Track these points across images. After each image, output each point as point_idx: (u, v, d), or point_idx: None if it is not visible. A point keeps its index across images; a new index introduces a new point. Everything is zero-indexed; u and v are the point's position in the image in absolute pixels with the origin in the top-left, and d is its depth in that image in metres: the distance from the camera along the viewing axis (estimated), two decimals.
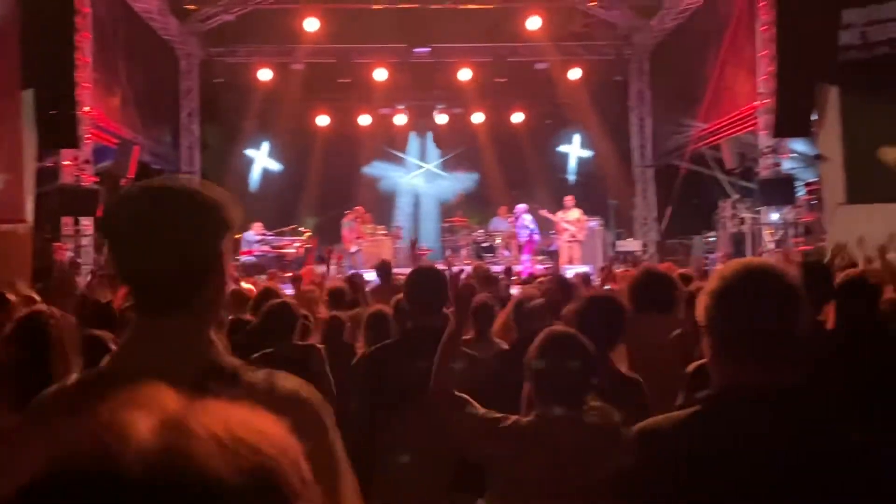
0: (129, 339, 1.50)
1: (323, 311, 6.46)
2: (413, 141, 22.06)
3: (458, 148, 21.67)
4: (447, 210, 20.61)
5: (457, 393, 2.83)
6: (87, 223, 13.53)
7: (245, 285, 9.07)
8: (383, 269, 8.84)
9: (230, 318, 5.68)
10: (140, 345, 1.45)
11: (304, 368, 4.23)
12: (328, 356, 4.70)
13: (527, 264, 16.00)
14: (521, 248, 17.12)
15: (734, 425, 1.71)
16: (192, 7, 18.35)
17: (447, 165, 22.14)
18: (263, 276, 12.71)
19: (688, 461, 1.70)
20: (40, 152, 12.94)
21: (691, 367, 3.26)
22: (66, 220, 13.45)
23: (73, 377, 1.48)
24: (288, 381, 1.45)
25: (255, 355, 4.23)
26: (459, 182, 21.69)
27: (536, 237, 17.06)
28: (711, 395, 1.83)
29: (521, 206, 17.47)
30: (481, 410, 2.79)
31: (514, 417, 2.74)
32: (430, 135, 21.88)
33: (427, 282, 3.92)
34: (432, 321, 3.70)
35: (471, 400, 2.84)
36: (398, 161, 22.16)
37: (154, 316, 1.46)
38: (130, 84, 14.99)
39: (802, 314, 1.77)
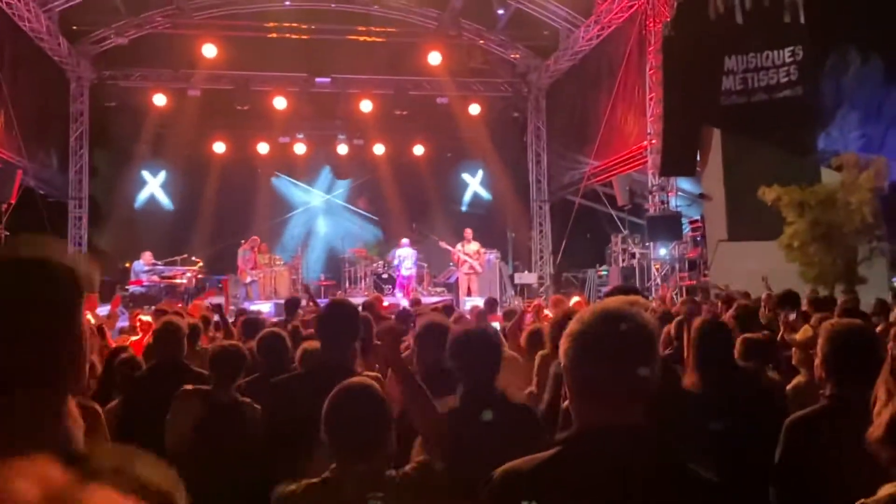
0: None
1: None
2: (312, 171, 21.91)
3: (358, 178, 21.65)
4: (346, 240, 20.49)
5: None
6: None
7: (143, 317, 8.77)
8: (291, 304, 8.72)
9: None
10: None
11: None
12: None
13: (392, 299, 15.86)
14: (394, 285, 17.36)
15: (588, 465, 1.75)
16: (83, 28, 17.83)
17: (346, 196, 22.09)
18: (150, 307, 12.29)
19: (546, 502, 1.75)
20: None
21: (565, 405, 3.33)
22: None
23: None
24: (143, 470, 1.41)
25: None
26: (359, 212, 21.65)
27: (405, 273, 17.29)
28: (569, 437, 1.87)
29: (405, 241, 17.75)
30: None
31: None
32: (329, 165, 21.79)
33: (340, 316, 3.88)
34: (341, 356, 3.69)
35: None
36: (297, 190, 21.96)
37: (4, 394, 1.35)
38: (15, 105, 14.35)
39: (654, 357, 1.83)
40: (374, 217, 21.46)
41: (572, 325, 1.85)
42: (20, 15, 14.76)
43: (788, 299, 7.09)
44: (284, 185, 21.64)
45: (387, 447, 2.59)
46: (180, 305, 11.78)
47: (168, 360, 4.88)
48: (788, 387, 4.63)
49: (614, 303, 1.95)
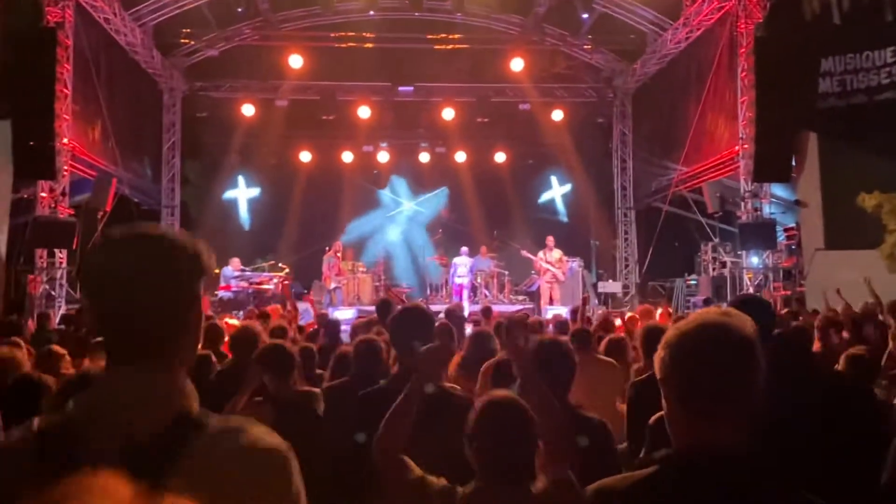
0: (99, 386, 1.48)
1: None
2: (395, 179, 22.09)
3: (440, 186, 21.70)
4: (428, 247, 20.52)
5: (400, 456, 2.71)
6: (61, 256, 13.38)
7: (230, 321, 8.98)
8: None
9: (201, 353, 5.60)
10: (110, 393, 1.43)
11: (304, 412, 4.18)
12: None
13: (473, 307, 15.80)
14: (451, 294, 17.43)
15: (687, 489, 1.67)
16: (177, 41, 18.44)
17: (429, 204, 22.16)
18: (240, 313, 12.58)
19: None
20: (16, 184, 12.88)
21: (653, 419, 3.20)
22: (41, 253, 13.30)
23: (36, 423, 1.42)
24: (255, 432, 1.44)
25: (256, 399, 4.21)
26: (436, 207, 21.70)
27: (457, 281, 17.34)
28: (669, 456, 1.78)
29: (463, 249, 17.88)
30: (417, 474, 2.68)
31: (454, 487, 2.60)
32: (412, 173, 21.92)
33: (413, 323, 3.83)
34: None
35: (411, 463, 2.71)
36: (381, 198, 22.16)
37: (126, 364, 1.45)
38: (111, 116, 14.92)
39: (758, 370, 1.73)
40: (456, 226, 21.38)
41: (670, 334, 1.78)
42: (117, 29, 15.34)
43: None
44: (368, 194, 21.81)
45: (534, 466, 2.51)
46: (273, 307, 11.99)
47: (241, 364, 4.92)
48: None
49: (714, 313, 1.86)
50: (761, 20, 13.50)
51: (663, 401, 1.82)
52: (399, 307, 4.19)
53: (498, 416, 2.53)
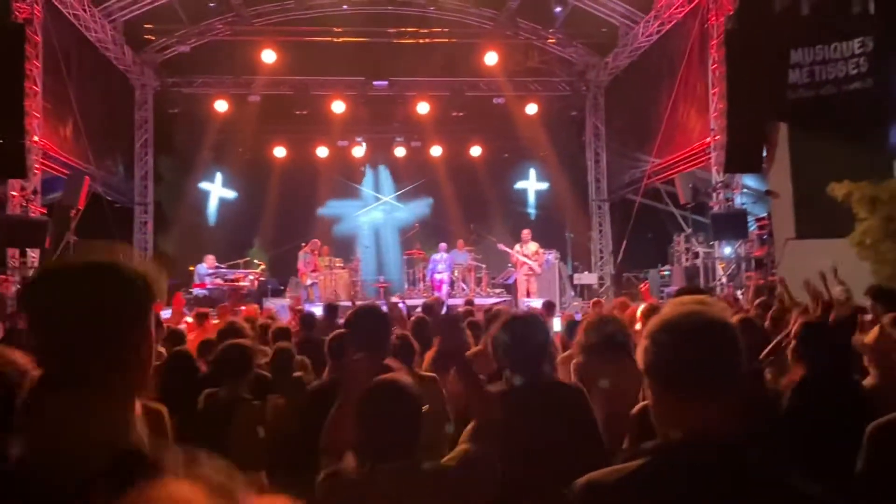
0: (44, 422, 1.41)
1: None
2: (371, 173, 22.02)
3: (416, 180, 21.67)
4: (405, 241, 20.52)
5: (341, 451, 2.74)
6: (33, 255, 13.21)
7: (188, 319, 8.92)
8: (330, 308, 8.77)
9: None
10: (56, 427, 1.38)
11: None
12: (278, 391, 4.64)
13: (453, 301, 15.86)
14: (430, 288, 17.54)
15: (680, 481, 1.67)
16: (148, 38, 18.23)
17: (405, 197, 22.12)
18: (214, 311, 12.46)
19: None
20: None
21: (636, 409, 3.22)
22: (12, 252, 13.11)
23: None
24: (207, 469, 1.40)
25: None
26: (417, 214, 21.65)
27: (437, 277, 17.49)
28: (656, 447, 1.78)
29: (441, 245, 18.02)
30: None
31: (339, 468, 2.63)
32: (388, 167, 21.86)
33: (369, 320, 3.86)
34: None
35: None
36: (356, 193, 22.08)
37: (69, 395, 1.39)
38: (83, 114, 14.74)
39: (741, 353, 1.75)
40: (431, 217, 21.35)
41: (652, 324, 1.80)
42: (86, 25, 15.17)
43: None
44: (343, 189, 21.71)
45: (417, 445, 2.56)
46: (243, 308, 11.94)
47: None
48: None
49: (693, 301, 1.88)
50: (731, 12, 13.59)
51: (648, 391, 1.83)
52: (357, 307, 4.20)
53: (377, 397, 2.59)
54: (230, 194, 21.06)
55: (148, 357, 1.49)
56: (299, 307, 12.05)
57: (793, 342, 3.80)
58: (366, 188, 22.07)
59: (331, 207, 21.34)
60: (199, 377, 4.95)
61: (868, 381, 4.46)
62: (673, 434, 1.75)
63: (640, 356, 1.81)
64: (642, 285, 15.34)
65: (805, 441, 3.11)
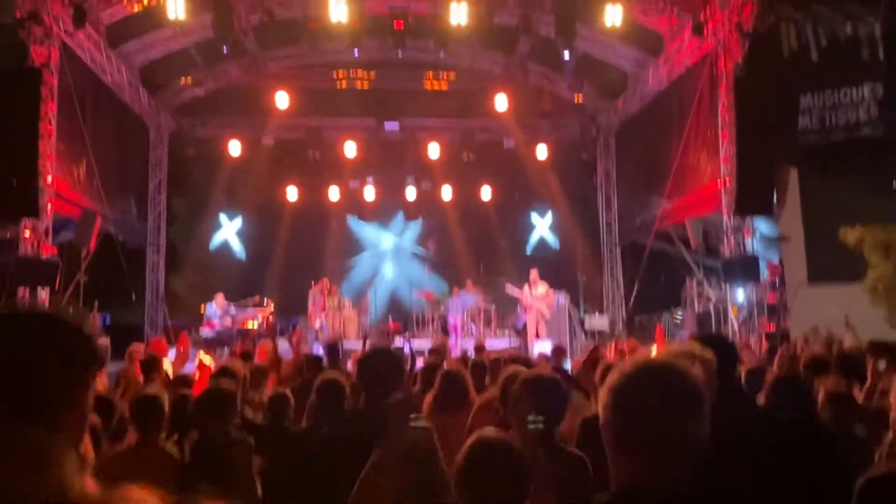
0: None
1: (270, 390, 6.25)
2: (381, 215, 22.03)
3: (426, 222, 21.67)
4: (416, 283, 20.44)
5: None
6: (43, 295, 13.22)
7: (205, 358, 8.87)
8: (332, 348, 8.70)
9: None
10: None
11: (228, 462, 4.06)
12: (268, 438, 4.53)
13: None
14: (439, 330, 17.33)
15: None
16: (163, 80, 18.45)
17: (415, 239, 22.10)
18: (225, 350, 12.43)
19: None
20: None
21: (582, 418, 3.25)
22: (23, 291, 13.12)
23: None
24: None
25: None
26: (427, 255, 21.62)
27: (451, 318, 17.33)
28: (609, 499, 1.75)
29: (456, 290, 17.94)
30: None
31: None
32: (398, 209, 21.88)
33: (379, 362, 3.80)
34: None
35: None
36: (367, 234, 22.07)
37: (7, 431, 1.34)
38: (97, 154, 14.84)
39: (699, 417, 1.70)
40: (441, 260, 21.29)
41: (612, 377, 1.76)
42: (103, 68, 15.36)
43: (881, 348, 6.61)
44: (356, 227, 21.74)
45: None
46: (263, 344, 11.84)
47: None
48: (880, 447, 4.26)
49: (659, 357, 1.84)
50: (740, 58, 13.63)
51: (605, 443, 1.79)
52: (369, 349, 4.15)
53: (487, 455, 2.43)
54: (242, 235, 21.09)
55: (84, 408, 1.44)
56: (299, 342, 11.94)
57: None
58: (376, 229, 22.05)
59: (342, 246, 21.30)
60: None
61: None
62: (622, 486, 1.73)
63: (600, 408, 1.79)
64: (657, 329, 15.20)
65: None
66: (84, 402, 1.45)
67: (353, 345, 14.07)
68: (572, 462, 3.34)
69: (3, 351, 1.36)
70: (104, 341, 13.44)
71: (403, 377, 4.08)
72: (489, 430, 2.64)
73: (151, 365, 7.10)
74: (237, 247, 21.13)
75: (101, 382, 7.19)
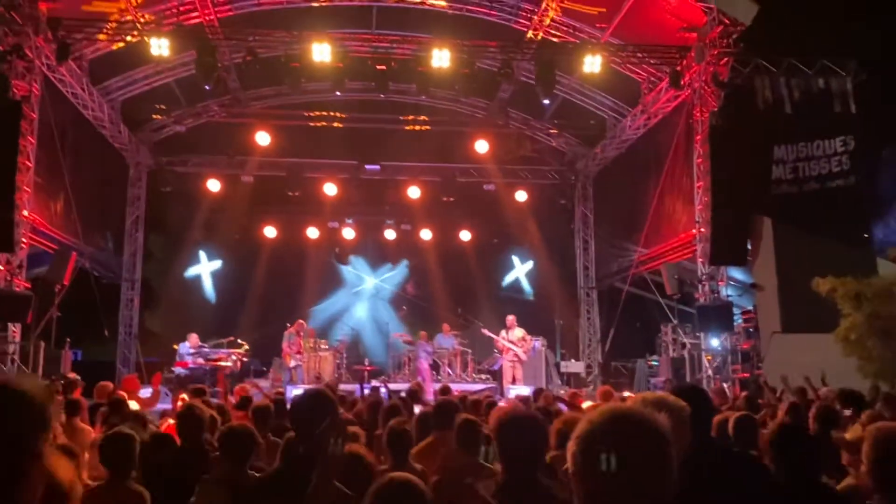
0: None
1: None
2: (360, 255, 22.01)
3: (404, 263, 21.67)
4: (392, 324, 20.38)
5: None
6: (14, 329, 13.05)
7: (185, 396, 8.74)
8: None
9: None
10: None
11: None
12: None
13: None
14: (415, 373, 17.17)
15: None
16: (144, 117, 18.47)
17: (393, 281, 22.07)
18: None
19: None
20: None
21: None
22: None
23: None
24: None
25: None
26: (404, 297, 21.58)
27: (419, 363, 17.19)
28: None
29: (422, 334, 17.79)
30: None
31: None
32: (377, 250, 21.88)
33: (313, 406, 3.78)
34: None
35: None
36: (344, 274, 22.01)
37: None
38: (75, 189, 14.78)
39: (666, 464, 1.71)
40: (420, 303, 21.27)
41: (581, 427, 1.76)
42: (84, 104, 15.39)
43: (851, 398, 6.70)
44: (332, 270, 21.66)
45: None
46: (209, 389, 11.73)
47: (191, 445, 4.83)
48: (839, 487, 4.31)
49: (626, 406, 1.86)
50: (716, 109, 13.88)
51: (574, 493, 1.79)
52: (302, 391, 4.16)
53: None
54: (219, 273, 20.96)
55: (34, 481, 1.43)
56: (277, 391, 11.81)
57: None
58: (354, 270, 22.01)
59: (319, 286, 21.20)
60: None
61: (847, 482, 4.37)
62: None
63: (568, 458, 1.79)
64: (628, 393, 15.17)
65: None
66: (35, 475, 1.43)
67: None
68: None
69: None
70: (75, 378, 13.28)
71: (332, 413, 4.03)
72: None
73: (116, 406, 7.05)
74: (210, 288, 20.93)
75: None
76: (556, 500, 3.29)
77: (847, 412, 6.18)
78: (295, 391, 14.70)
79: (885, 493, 2.79)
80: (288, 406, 7.07)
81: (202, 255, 20.79)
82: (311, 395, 3.78)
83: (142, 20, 14.18)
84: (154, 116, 18.56)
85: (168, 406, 10.73)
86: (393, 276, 22.02)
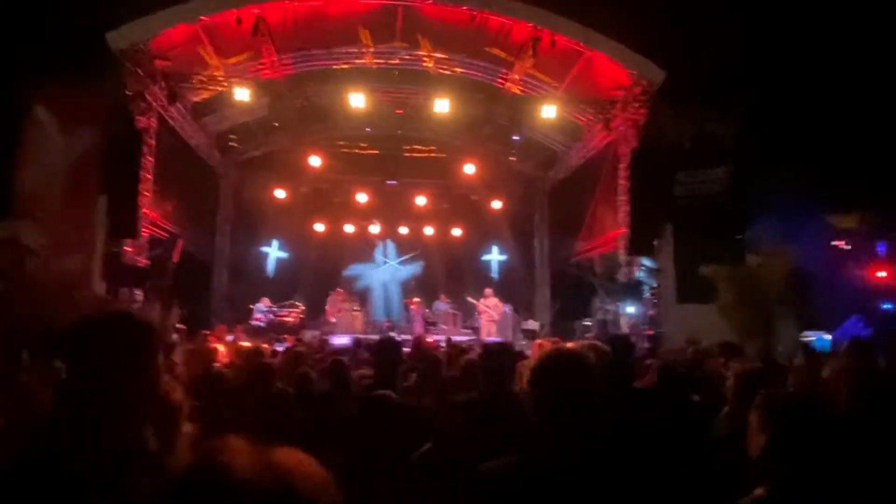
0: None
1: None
2: (382, 245, 21.99)
3: (413, 251, 21.67)
4: (404, 293, 20.42)
5: None
6: (138, 293, 13.10)
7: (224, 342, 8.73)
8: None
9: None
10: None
11: None
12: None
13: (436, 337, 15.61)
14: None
15: (550, 470, 1.69)
16: (233, 145, 18.44)
17: (405, 263, 22.05)
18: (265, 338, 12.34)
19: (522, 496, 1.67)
20: (108, 241, 12.69)
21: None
22: (123, 291, 12.99)
23: None
24: None
25: None
26: (413, 274, 21.56)
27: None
28: (528, 445, 1.80)
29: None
30: None
31: None
32: (394, 241, 21.86)
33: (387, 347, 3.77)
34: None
35: None
36: (371, 258, 22.00)
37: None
38: (181, 194, 14.78)
39: (588, 387, 1.77)
40: (423, 277, 21.20)
41: (532, 360, 1.87)
42: (188, 134, 15.37)
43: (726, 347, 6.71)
44: (362, 255, 21.56)
45: None
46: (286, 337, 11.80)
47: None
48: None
49: (567, 346, 1.92)
50: (635, 145, 13.91)
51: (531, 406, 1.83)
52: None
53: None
54: (283, 255, 20.96)
55: (154, 388, 1.41)
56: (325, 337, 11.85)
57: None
58: (378, 255, 22.01)
59: (352, 268, 21.20)
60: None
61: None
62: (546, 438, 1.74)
63: (523, 382, 1.90)
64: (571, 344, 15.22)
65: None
66: (155, 377, 1.40)
67: (360, 336, 14.02)
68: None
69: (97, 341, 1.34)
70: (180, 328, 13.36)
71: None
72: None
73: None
74: (277, 266, 20.80)
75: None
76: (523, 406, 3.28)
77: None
78: (335, 339, 14.79)
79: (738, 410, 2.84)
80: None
81: (273, 243, 20.72)
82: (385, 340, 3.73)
83: (230, 75, 14.16)
84: (242, 144, 18.51)
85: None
86: (406, 260, 21.93)
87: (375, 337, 13.19)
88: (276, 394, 4.12)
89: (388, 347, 3.90)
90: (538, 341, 12.30)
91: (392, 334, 13.97)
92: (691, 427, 3.16)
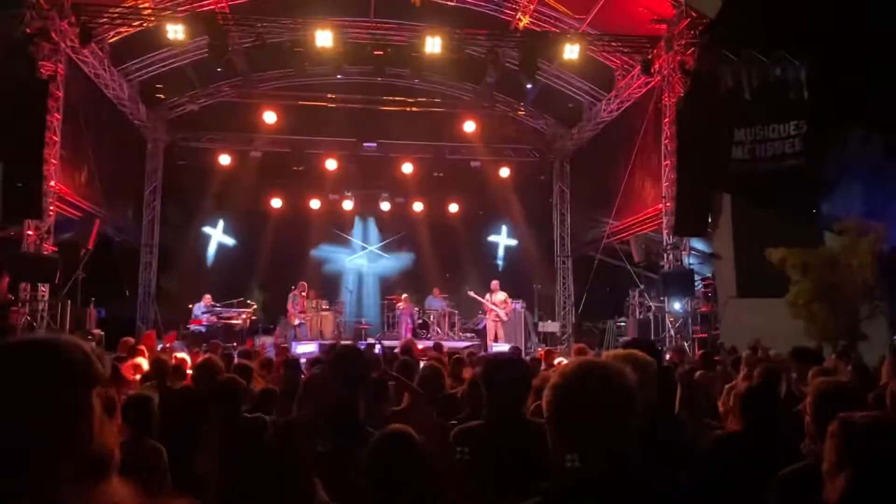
0: None
1: (259, 383, 6.25)
2: (358, 225, 21.99)
3: (398, 233, 21.67)
4: (386, 288, 20.47)
5: None
6: (43, 290, 13.03)
7: (178, 354, 8.75)
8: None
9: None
10: None
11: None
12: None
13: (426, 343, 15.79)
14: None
15: None
16: (160, 96, 18.32)
17: (388, 248, 22.07)
18: (205, 346, 12.31)
19: None
20: (4, 222, 12.60)
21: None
22: (24, 286, 12.93)
23: None
24: None
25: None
26: (399, 263, 21.58)
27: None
28: (550, 487, 1.79)
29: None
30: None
31: None
32: (373, 220, 21.85)
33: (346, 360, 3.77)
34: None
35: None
36: (344, 241, 21.99)
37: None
38: (97, 162, 14.68)
39: (629, 411, 1.74)
40: (411, 266, 21.27)
41: (555, 379, 1.80)
42: (105, 83, 15.23)
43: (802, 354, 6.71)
44: (332, 238, 21.57)
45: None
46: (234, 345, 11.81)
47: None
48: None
49: (597, 360, 1.88)
50: (682, 94, 13.89)
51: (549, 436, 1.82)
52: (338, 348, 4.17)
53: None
54: (229, 240, 20.89)
55: (84, 431, 1.31)
56: (284, 345, 11.92)
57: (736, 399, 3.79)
58: (353, 238, 21.98)
59: (320, 252, 21.19)
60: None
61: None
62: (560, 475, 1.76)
63: (544, 406, 1.83)
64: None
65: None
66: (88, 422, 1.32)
67: (330, 343, 14.03)
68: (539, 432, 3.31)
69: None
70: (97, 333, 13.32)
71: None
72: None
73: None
74: (221, 253, 20.74)
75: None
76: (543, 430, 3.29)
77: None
78: (298, 347, 14.81)
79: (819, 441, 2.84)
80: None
81: (216, 223, 20.67)
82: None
83: (159, 7, 14.01)
84: (174, 96, 18.39)
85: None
86: (385, 244, 21.94)
87: (350, 343, 13.23)
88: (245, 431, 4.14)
89: (346, 362, 3.72)
90: (548, 348, 12.37)
91: (372, 341, 14.04)
92: (760, 469, 3.16)
